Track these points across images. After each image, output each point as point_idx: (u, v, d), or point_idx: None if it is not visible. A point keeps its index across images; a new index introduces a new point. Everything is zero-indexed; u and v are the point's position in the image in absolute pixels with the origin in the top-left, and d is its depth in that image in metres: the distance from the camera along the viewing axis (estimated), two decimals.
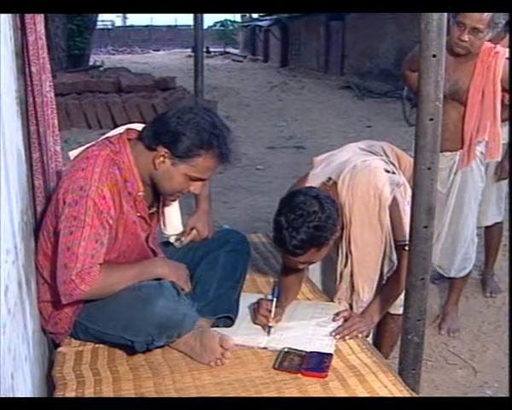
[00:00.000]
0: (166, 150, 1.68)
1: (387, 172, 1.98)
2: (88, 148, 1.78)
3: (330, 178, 1.97)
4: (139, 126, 1.83)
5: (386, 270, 1.99)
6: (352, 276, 2.03)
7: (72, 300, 1.65)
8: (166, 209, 1.98)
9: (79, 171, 1.66)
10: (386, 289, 2.00)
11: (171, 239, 2.06)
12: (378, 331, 2.33)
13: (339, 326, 1.88)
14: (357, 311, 2.04)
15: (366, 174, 1.95)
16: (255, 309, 1.92)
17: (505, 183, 3.07)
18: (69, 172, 1.70)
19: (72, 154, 1.85)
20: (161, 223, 2.00)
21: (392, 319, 2.23)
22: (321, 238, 1.75)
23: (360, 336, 1.86)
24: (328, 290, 2.19)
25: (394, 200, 1.91)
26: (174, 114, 1.70)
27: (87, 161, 1.68)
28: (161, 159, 1.69)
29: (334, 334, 1.85)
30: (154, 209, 1.88)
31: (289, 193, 1.85)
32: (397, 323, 2.13)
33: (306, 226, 1.72)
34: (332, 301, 2.11)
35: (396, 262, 1.96)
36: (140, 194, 1.75)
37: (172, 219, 2.00)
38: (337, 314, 1.94)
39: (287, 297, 2.01)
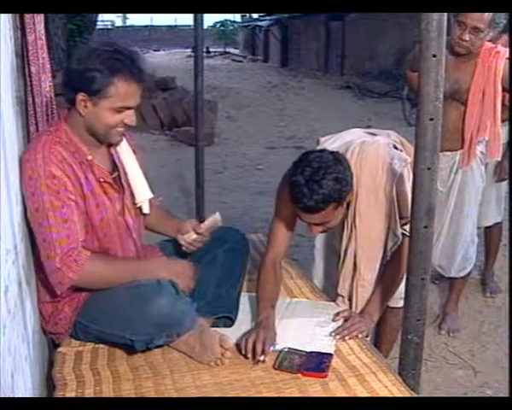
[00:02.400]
0: (83, 94, 1.67)
1: (396, 148, 1.99)
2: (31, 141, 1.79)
3: (337, 152, 1.93)
4: None
5: (390, 245, 1.99)
6: (355, 254, 2.01)
7: (64, 289, 1.66)
8: (131, 178, 1.92)
9: (25, 163, 1.65)
10: (384, 281, 1.98)
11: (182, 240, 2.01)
12: (378, 327, 2.33)
13: (339, 326, 1.88)
14: (359, 299, 2.03)
15: (375, 148, 1.96)
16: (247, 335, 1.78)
17: (505, 183, 3.07)
18: (20, 167, 1.68)
19: None
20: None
21: (391, 313, 2.23)
22: (341, 192, 1.76)
23: (360, 336, 1.86)
24: (330, 289, 2.18)
25: (401, 176, 1.90)
26: (75, 60, 1.70)
27: (29, 152, 1.67)
28: (82, 104, 1.68)
29: (334, 334, 1.85)
30: (116, 174, 1.85)
31: (301, 154, 1.84)
32: (397, 317, 2.12)
33: (327, 179, 1.72)
34: (336, 294, 2.10)
35: (400, 237, 1.94)
36: (89, 158, 1.74)
37: (138, 186, 1.93)
38: (337, 314, 1.94)
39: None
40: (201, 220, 2.07)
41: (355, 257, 2.02)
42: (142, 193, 1.94)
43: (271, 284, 1.96)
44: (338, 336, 1.83)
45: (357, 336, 1.85)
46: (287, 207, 1.92)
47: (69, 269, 1.63)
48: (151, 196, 1.97)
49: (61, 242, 1.63)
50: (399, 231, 1.94)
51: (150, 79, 1.85)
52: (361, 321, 1.91)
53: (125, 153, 1.91)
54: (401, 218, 1.92)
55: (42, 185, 1.62)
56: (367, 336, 1.94)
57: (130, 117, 1.74)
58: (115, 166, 1.86)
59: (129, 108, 1.73)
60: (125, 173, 1.89)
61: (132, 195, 1.91)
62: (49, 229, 1.63)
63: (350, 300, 2.07)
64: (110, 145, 1.84)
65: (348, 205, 1.94)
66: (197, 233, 1.99)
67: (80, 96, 1.67)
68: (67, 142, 1.72)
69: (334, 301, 2.11)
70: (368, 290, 2.04)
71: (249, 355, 1.69)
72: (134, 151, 1.95)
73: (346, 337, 1.84)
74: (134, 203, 1.91)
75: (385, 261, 2.03)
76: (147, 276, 1.75)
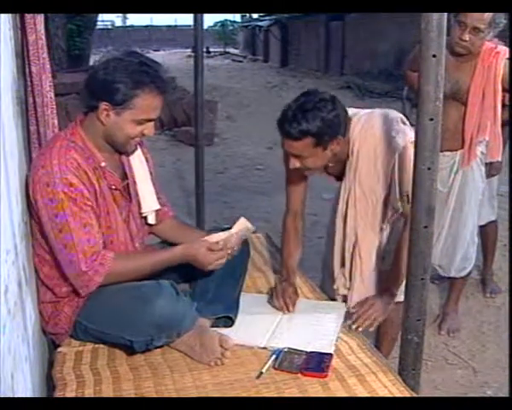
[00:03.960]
0: (106, 103, 1.68)
1: (404, 124, 2.00)
2: (44, 146, 1.79)
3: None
4: None
5: (389, 215, 2.03)
6: (354, 221, 2.04)
7: (90, 291, 1.69)
8: (140, 188, 1.94)
9: (40, 169, 1.66)
10: (397, 255, 1.98)
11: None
12: (379, 324, 2.34)
13: (353, 312, 1.91)
14: (357, 271, 2.06)
15: (383, 118, 1.98)
16: (274, 292, 2.00)
17: (496, 181, 3.08)
18: (32, 173, 1.69)
19: None
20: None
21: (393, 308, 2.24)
22: (321, 130, 1.80)
23: (378, 320, 1.89)
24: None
25: (405, 150, 1.89)
26: (100, 68, 1.70)
27: (43, 157, 1.68)
28: (105, 113, 1.70)
29: (353, 326, 1.87)
30: (126, 182, 1.87)
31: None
32: (396, 312, 2.14)
33: (313, 113, 1.79)
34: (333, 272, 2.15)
35: (400, 209, 1.98)
36: (102, 164, 1.75)
37: (146, 196, 1.95)
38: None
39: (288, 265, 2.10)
40: (223, 229, 1.95)
41: (355, 228, 2.05)
42: (149, 204, 1.95)
43: (292, 241, 2.14)
44: (354, 326, 1.87)
45: (375, 320, 1.90)
46: None
47: (96, 273, 1.66)
48: (158, 207, 1.99)
49: (83, 246, 1.65)
50: (399, 204, 1.97)
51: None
52: (373, 304, 1.93)
53: (137, 162, 1.92)
54: (401, 194, 1.94)
55: (59, 193, 1.63)
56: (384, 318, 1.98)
57: (149, 128, 1.75)
58: (125, 175, 1.88)
59: (150, 121, 1.74)
60: (135, 183, 1.91)
61: (139, 204, 1.93)
62: (70, 235, 1.64)
63: (350, 275, 2.10)
64: (122, 153, 1.85)
65: (345, 164, 1.99)
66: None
67: (103, 106, 1.68)
68: (82, 147, 1.72)
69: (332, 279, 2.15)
70: (365, 262, 2.06)
71: (283, 309, 1.94)
72: (147, 160, 1.97)
73: (366, 323, 1.87)
74: (140, 213, 1.93)
75: (384, 238, 2.07)
76: (166, 265, 1.79)
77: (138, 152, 1.91)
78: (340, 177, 2.09)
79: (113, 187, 1.79)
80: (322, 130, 1.81)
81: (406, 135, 1.92)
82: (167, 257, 1.81)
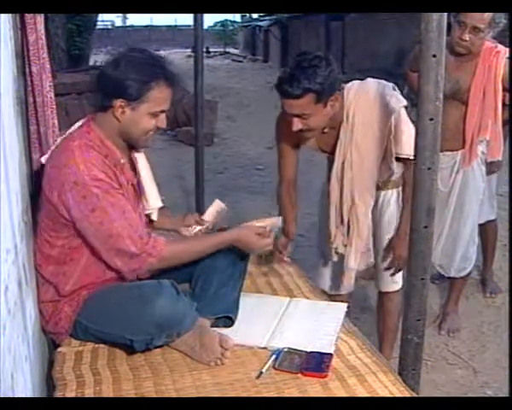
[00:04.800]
0: (121, 100, 1.70)
1: (395, 91, 2.10)
2: (58, 146, 1.77)
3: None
4: None
5: (386, 176, 2.15)
6: (350, 183, 2.13)
7: (140, 274, 1.72)
8: (145, 185, 1.97)
9: (63, 168, 1.66)
10: (404, 200, 2.16)
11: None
12: (378, 317, 2.42)
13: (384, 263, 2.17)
14: (354, 230, 2.17)
15: (376, 84, 2.11)
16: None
17: (495, 180, 3.08)
18: (53, 171, 1.68)
19: (45, 158, 1.84)
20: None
21: (386, 298, 2.27)
22: (320, 87, 1.88)
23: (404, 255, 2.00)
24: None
25: (399, 114, 2.03)
26: (110, 67, 1.72)
27: (65, 156, 1.68)
28: (120, 110, 1.71)
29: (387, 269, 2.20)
30: (137, 179, 1.90)
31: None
32: (393, 302, 2.23)
33: (310, 70, 1.87)
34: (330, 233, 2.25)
35: (394, 170, 2.12)
36: (122, 161, 1.78)
37: (151, 193, 2.00)
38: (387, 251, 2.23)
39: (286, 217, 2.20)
40: (202, 214, 2.11)
41: (351, 190, 2.13)
42: (154, 201, 2.00)
43: (288, 203, 2.27)
44: (390, 272, 2.15)
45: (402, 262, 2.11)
46: (284, 132, 2.13)
47: (149, 255, 1.69)
48: (161, 205, 2.03)
49: (128, 232, 1.67)
50: (394, 165, 2.10)
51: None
52: (395, 247, 2.16)
53: (142, 159, 1.96)
54: (399, 154, 2.07)
55: (92, 187, 1.64)
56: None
57: (162, 120, 1.78)
58: (135, 173, 1.91)
59: (163, 112, 1.77)
60: (140, 181, 1.94)
61: (144, 201, 1.96)
62: (111, 224, 1.66)
63: (348, 232, 2.20)
64: (134, 149, 1.87)
65: (339, 126, 2.08)
66: (200, 225, 2.05)
67: (119, 103, 1.70)
68: (100, 145, 1.73)
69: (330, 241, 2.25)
70: (362, 222, 2.15)
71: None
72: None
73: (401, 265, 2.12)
74: (144, 209, 1.96)
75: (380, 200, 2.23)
76: (216, 249, 1.84)
77: (142, 151, 1.94)
78: (331, 152, 2.17)
79: (130, 183, 1.82)
80: (322, 85, 1.89)
81: (400, 100, 2.05)
82: (219, 241, 1.85)
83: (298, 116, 1.94)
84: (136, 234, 1.68)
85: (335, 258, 2.26)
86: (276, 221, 1.97)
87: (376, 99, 2.05)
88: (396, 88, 2.13)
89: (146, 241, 1.69)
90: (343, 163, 2.12)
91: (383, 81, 2.14)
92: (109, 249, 1.69)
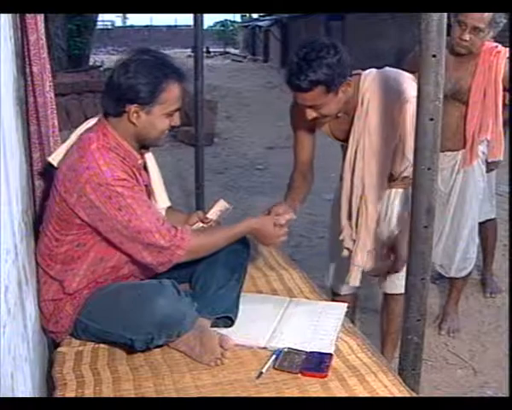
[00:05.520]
0: (136, 105, 1.71)
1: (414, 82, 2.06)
2: (72, 147, 1.76)
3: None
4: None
5: (401, 168, 2.07)
6: (362, 173, 2.09)
7: (169, 266, 1.75)
8: (155, 186, 1.99)
9: (84, 170, 1.66)
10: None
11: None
12: (382, 318, 2.41)
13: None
14: (363, 221, 2.13)
15: (395, 73, 2.05)
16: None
17: (494, 179, 3.08)
18: (73, 174, 1.68)
19: (52, 159, 1.84)
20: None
21: (392, 300, 2.26)
22: (330, 76, 1.84)
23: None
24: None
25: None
26: (119, 74, 1.71)
27: (85, 159, 1.67)
28: (135, 115, 1.72)
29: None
30: (149, 179, 1.93)
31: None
32: (398, 304, 2.20)
33: (318, 61, 1.82)
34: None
35: (412, 161, 2.00)
36: (139, 162, 1.82)
37: (160, 193, 2.02)
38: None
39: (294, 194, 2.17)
40: (206, 213, 2.12)
41: (362, 178, 2.10)
42: (164, 200, 2.02)
43: (297, 187, 2.21)
44: (397, 274, 2.12)
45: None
46: (298, 118, 2.10)
47: (178, 247, 1.71)
48: (169, 204, 2.05)
49: (157, 226, 1.69)
50: (411, 155, 1.99)
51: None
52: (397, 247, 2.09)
53: (151, 160, 1.98)
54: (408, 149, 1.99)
55: (116, 187, 1.66)
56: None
57: (176, 119, 1.80)
58: (147, 173, 1.92)
59: (177, 110, 1.79)
60: (150, 182, 1.95)
61: (154, 201, 1.96)
62: (139, 220, 1.68)
63: (357, 225, 2.17)
64: (142, 151, 1.88)
65: (354, 114, 2.04)
66: (204, 223, 2.06)
67: (133, 108, 1.71)
68: (116, 147, 1.74)
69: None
70: (371, 214, 2.11)
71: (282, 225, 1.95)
72: None
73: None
74: None
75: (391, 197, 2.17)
76: (237, 238, 1.88)
77: (150, 152, 1.95)
78: (345, 139, 2.13)
79: (145, 184, 1.85)
80: (330, 76, 1.85)
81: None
82: (239, 230, 1.89)
83: (310, 107, 1.93)
84: (164, 227, 1.71)
85: (345, 253, 2.22)
86: (223, 204, 2.06)
87: (393, 87, 1.99)
88: (415, 79, 2.09)
89: (174, 233, 1.71)
90: (356, 152, 2.09)
91: (403, 72, 2.08)
92: (138, 245, 1.71)
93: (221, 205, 2.09)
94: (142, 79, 1.69)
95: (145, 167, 1.91)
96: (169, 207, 2.09)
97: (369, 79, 2.03)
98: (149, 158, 1.97)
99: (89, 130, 1.79)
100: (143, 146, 1.85)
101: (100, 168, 1.66)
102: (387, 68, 2.09)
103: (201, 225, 2.06)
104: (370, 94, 2.01)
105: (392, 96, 1.99)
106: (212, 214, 2.08)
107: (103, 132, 1.75)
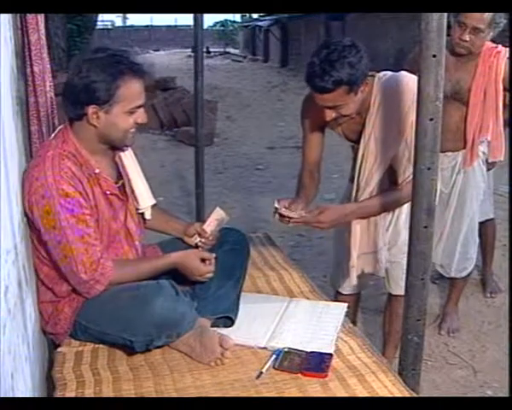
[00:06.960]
0: (93, 106, 1.67)
1: None
2: (34, 157, 1.77)
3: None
4: None
5: (407, 174, 2.04)
6: (366, 180, 2.11)
7: (92, 296, 1.73)
8: (134, 185, 1.96)
9: (34, 180, 1.65)
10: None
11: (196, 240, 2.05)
12: (384, 319, 2.40)
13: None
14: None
15: (408, 78, 2.03)
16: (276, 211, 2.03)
17: (492, 179, 3.07)
18: (26, 185, 1.67)
19: None
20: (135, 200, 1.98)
21: (397, 300, 2.27)
22: (352, 76, 1.85)
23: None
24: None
25: None
26: (73, 75, 1.68)
27: (37, 168, 1.66)
28: (94, 116, 1.69)
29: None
30: (121, 182, 1.87)
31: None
32: (402, 304, 2.18)
33: (340, 62, 1.83)
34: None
35: (404, 179, 2.06)
36: (97, 171, 1.75)
37: (142, 192, 1.98)
38: None
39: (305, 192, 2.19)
40: (203, 222, 2.09)
41: (365, 183, 2.11)
42: (146, 200, 1.98)
43: (308, 186, 2.23)
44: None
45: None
46: (309, 115, 2.12)
47: (97, 282, 1.70)
48: (154, 202, 2.02)
49: (82, 258, 1.67)
50: (405, 169, 2.04)
51: (149, 74, 1.88)
52: (325, 212, 2.05)
53: (128, 158, 1.94)
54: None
55: (56, 204, 1.63)
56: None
57: (141, 116, 1.75)
58: (120, 175, 1.88)
59: (139, 107, 1.74)
60: (129, 180, 1.92)
61: (135, 201, 1.94)
62: (68, 246, 1.66)
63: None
64: (115, 151, 1.85)
65: (366, 114, 2.04)
66: (201, 236, 2.03)
67: (91, 109, 1.67)
68: (75, 154, 1.72)
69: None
70: (369, 220, 2.14)
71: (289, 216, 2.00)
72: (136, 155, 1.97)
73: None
74: (136, 209, 1.94)
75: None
76: (162, 271, 1.83)
77: (128, 149, 1.92)
78: (356, 140, 2.14)
79: (108, 192, 1.79)
80: (353, 75, 1.86)
81: None
82: (162, 264, 1.85)
83: (330, 108, 1.93)
84: (90, 260, 1.68)
85: (351, 256, 2.23)
86: (220, 213, 2.04)
87: (404, 93, 1.98)
88: None
89: (95, 267, 1.68)
90: (363, 154, 2.10)
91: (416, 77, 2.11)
92: (65, 268, 1.70)
93: (218, 214, 2.06)
94: (96, 78, 1.65)
95: (118, 171, 1.88)
96: (154, 205, 2.07)
97: (382, 82, 2.04)
98: (128, 157, 1.93)
99: (54, 135, 1.78)
100: (115, 148, 1.82)
101: (46, 179, 1.63)
102: (403, 73, 2.07)
103: (198, 239, 2.04)
104: (381, 98, 2.02)
105: (401, 102, 1.99)
106: (209, 225, 2.04)
107: (63, 139, 1.73)
